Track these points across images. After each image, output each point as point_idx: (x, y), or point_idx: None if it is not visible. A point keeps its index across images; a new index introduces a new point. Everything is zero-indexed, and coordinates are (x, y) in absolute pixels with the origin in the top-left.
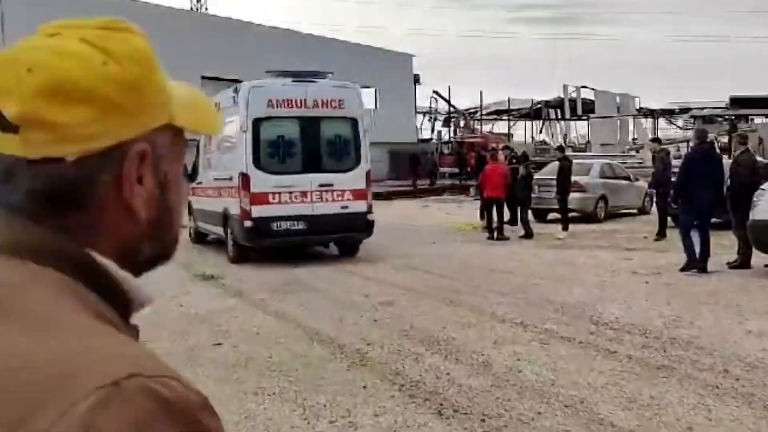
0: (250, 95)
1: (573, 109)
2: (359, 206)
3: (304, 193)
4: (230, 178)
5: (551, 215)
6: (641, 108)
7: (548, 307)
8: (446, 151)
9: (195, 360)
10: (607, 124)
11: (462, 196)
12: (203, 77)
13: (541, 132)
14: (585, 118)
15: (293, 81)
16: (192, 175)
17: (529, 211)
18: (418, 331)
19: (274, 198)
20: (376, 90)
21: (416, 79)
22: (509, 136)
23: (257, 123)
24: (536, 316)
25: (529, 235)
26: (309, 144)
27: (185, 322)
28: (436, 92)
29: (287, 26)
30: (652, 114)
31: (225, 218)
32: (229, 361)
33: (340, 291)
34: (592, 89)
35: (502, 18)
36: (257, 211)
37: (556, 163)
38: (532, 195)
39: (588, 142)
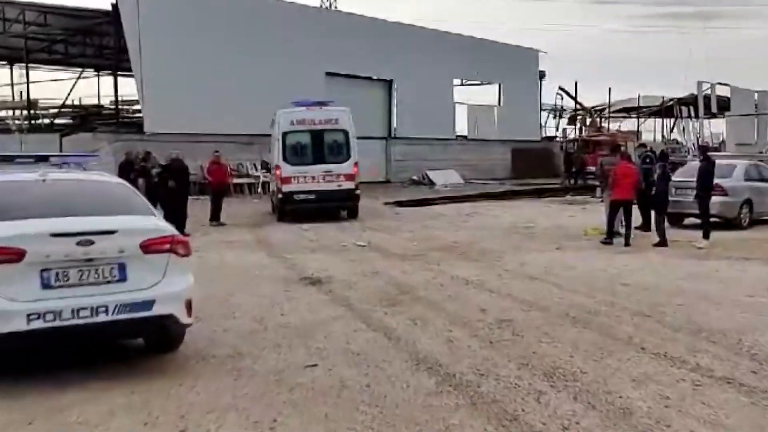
0: (281, 118)
1: (707, 107)
2: (349, 185)
3: (313, 177)
4: (274, 168)
5: (687, 220)
6: None
7: (696, 335)
8: (572, 150)
9: (282, 384)
10: (744, 123)
11: (587, 196)
12: (327, 73)
13: (672, 130)
14: (720, 116)
15: (307, 108)
16: (268, 168)
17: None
18: (540, 360)
19: (295, 180)
20: (499, 86)
21: (541, 75)
22: (638, 134)
23: (285, 134)
24: (682, 345)
25: (663, 243)
26: (316, 146)
27: (282, 335)
28: (561, 88)
29: (410, 22)
30: None
31: (273, 193)
32: (320, 389)
33: (455, 304)
34: (728, 86)
35: (636, 13)
36: (285, 188)
37: (696, 163)
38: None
39: (723, 141)
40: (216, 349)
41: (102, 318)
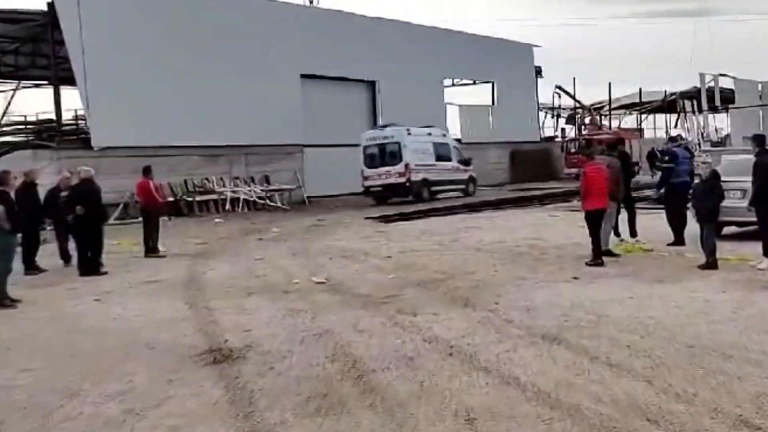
0: (363, 136)
1: (711, 100)
2: (401, 179)
3: (379, 175)
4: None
5: (725, 229)
6: None
7: None
8: (573, 150)
9: None
10: (749, 116)
11: None
12: (303, 75)
13: (676, 126)
14: (723, 110)
15: (378, 128)
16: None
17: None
18: None
19: (370, 177)
20: (493, 84)
21: (538, 72)
22: (640, 131)
23: (364, 147)
24: None
25: (713, 264)
26: (381, 155)
27: None
28: (558, 87)
29: (398, 17)
30: None
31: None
32: None
33: (427, 403)
34: (732, 77)
35: (634, 11)
36: (365, 183)
37: (748, 158)
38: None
39: (728, 135)
40: None
41: None
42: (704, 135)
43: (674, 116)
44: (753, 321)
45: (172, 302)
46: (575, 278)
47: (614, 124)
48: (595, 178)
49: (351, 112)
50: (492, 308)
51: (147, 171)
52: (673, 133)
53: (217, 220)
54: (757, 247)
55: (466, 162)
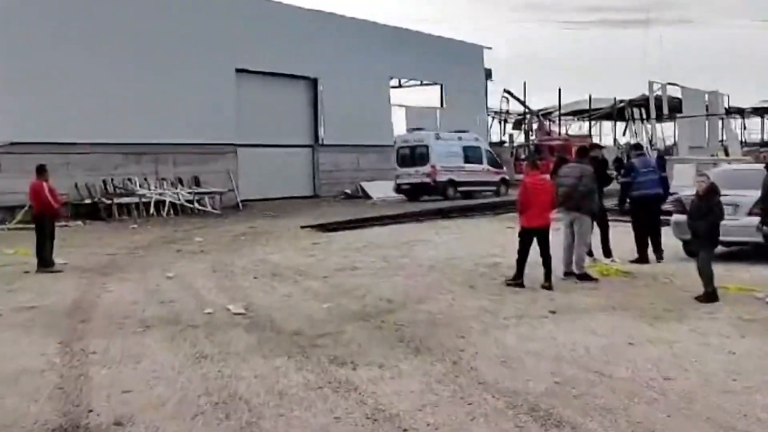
0: (397, 139)
1: (659, 108)
2: (427, 179)
3: (410, 174)
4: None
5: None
6: (729, 107)
7: None
8: (522, 156)
9: None
10: (695, 125)
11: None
12: (238, 70)
13: (624, 133)
14: (668, 118)
15: (409, 132)
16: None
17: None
18: None
19: (401, 176)
20: (441, 86)
21: (488, 74)
22: (591, 138)
23: (398, 149)
24: None
25: (713, 295)
26: (412, 156)
27: None
28: (507, 91)
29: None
30: (741, 113)
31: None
32: None
33: None
34: (680, 86)
35: (584, 19)
36: (397, 181)
37: (744, 168)
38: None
39: (675, 144)
40: None
41: None
42: (652, 143)
43: (623, 124)
44: None
45: (43, 341)
46: (552, 312)
47: (562, 130)
48: (537, 191)
49: (290, 110)
50: (455, 358)
51: (41, 171)
52: (622, 140)
53: (132, 226)
54: (752, 270)
55: (497, 165)
